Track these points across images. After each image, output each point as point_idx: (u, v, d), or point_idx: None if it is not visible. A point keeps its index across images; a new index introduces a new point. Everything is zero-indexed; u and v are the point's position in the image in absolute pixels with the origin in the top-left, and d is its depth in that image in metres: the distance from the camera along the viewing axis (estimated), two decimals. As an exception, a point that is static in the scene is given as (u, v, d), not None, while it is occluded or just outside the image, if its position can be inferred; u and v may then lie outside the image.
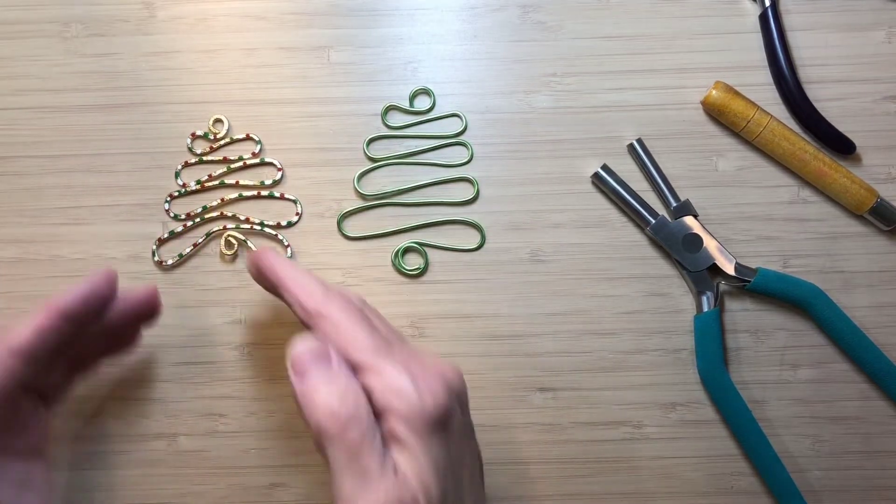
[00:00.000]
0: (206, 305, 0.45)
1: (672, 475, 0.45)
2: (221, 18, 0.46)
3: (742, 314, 0.45)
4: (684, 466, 0.45)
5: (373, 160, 0.45)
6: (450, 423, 0.32)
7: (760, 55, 0.45)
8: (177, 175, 0.45)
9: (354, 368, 0.32)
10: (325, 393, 0.31)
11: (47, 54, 0.46)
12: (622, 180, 0.44)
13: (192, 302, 0.45)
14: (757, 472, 0.44)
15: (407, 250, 0.45)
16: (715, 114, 0.45)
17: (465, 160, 0.45)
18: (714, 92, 0.44)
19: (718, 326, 0.44)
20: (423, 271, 0.45)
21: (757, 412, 0.44)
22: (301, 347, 0.33)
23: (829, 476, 0.45)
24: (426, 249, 0.45)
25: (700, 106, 0.45)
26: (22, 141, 0.45)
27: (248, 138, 0.45)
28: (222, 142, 0.45)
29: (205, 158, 0.45)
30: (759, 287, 0.44)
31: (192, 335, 0.45)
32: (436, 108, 0.45)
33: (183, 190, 0.45)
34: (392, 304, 0.45)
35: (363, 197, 0.45)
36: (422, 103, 0.45)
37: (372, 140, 0.45)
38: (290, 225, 0.45)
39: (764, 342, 0.45)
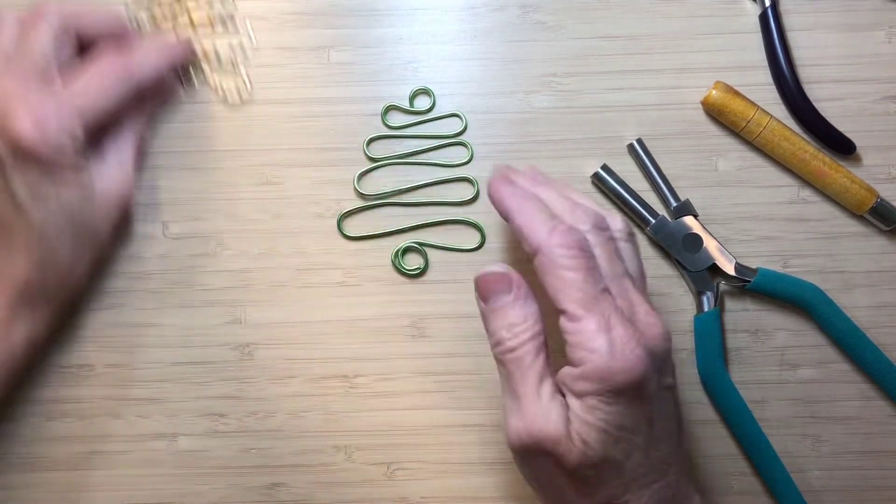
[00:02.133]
0: (207, 305, 0.45)
1: (672, 475, 0.45)
2: (221, 18, 0.46)
3: (742, 314, 0.45)
4: (684, 466, 0.45)
5: (373, 160, 0.45)
6: (641, 391, 0.32)
7: (760, 55, 0.45)
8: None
9: (561, 312, 0.33)
10: (498, 320, 0.35)
11: (47, 54, 0.45)
12: (622, 180, 0.44)
13: (192, 302, 0.45)
14: (757, 472, 0.44)
15: (407, 250, 0.45)
16: (715, 114, 0.45)
17: (466, 160, 0.45)
18: (714, 92, 0.44)
19: (718, 326, 0.44)
20: (423, 271, 0.45)
21: (757, 412, 0.44)
22: (486, 271, 0.35)
23: (829, 476, 0.45)
24: (426, 249, 0.45)
25: (700, 106, 0.45)
26: (22, 141, 0.45)
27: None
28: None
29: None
30: (759, 287, 0.44)
31: (192, 335, 0.45)
32: (436, 108, 0.45)
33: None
34: (392, 304, 0.45)
35: (363, 197, 0.45)
36: (422, 103, 0.45)
37: (372, 140, 0.45)
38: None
39: (764, 342, 0.45)
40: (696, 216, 0.44)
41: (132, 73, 0.40)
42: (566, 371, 0.33)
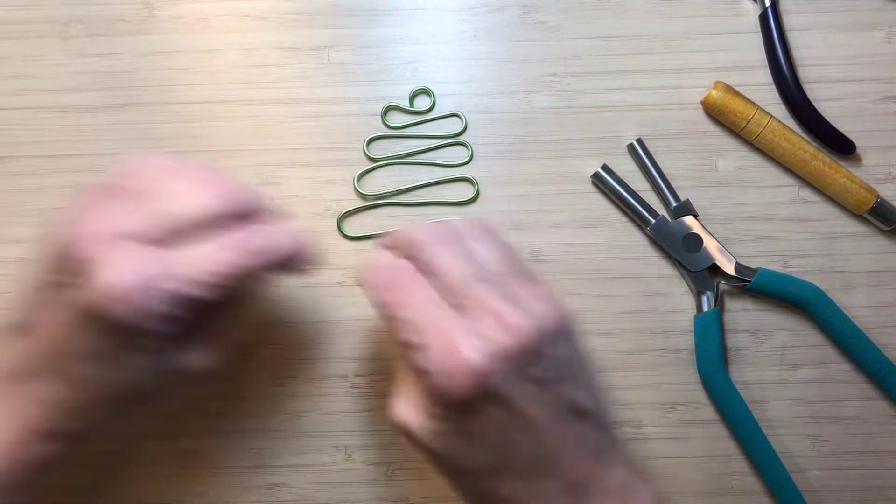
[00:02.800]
0: (206, 305, 0.45)
1: (672, 475, 0.45)
2: (221, 18, 0.46)
3: (742, 314, 0.45)
4: (684, 466, 0.45)
5: (373, 160, 0.45)
6: (485, 399, 0.31)
7: (760, 55, 0.45)
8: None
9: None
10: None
11: (47, 54, 0.46)
12: (622, 180, 0.44)
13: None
14: (757, 472, 0.44)
15: None
16: (715, 114, 0.45)
17: (466, 160, 0.45)
18: (714, 92, 0.44)
19: (718, 326, 0.44)
20: None
21: (757, 412, 0.44)
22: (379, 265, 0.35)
23: (829, 476, 0.45)
24: None
25: (700, 106, 0.45)
26: (22, 141, 0.45)
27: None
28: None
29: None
30: (759, 287, 0.44)
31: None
32: (436, 108, 0.45)
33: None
34: (392, 304, 0.45)
35: (363, 197, 0.45)
36: (422, 103, 0.45)
37: (372, 140, 0.45)
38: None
39: (764, 342, 0.45)
40: (696, 216, 0.44)
41: (254, 253, 0.33)
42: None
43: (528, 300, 0.33)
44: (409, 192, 0.45)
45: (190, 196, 0.32)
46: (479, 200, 0.45)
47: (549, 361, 0.33)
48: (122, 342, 0.31)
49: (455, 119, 0.45)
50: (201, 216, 0.32)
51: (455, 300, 0.33)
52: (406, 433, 0.34)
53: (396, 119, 0.45)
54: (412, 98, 0.45)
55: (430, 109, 0.45)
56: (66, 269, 0.31)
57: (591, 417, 0.34)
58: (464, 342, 0.31)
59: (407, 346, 0.33)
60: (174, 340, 0.33)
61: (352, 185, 0.45)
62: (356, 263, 0.39)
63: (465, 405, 0.32)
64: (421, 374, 0.32)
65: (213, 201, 0.33)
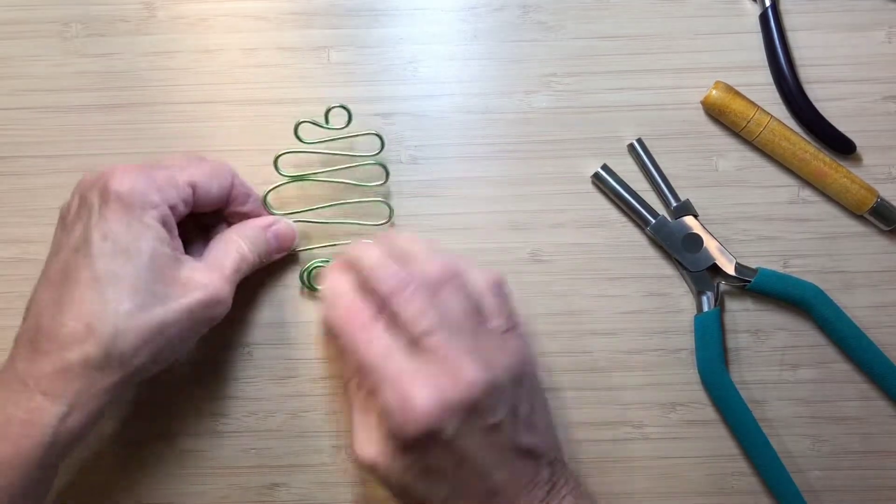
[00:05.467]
0: (206, 305, 0.45)
1: (672, 475, 0.45)
2: (221, 18, 0.46)
3: (742, 314, 0.45)
4: (684, 466, 0.45)
5: (284, 175, 0.43)
6: (434, 440, 0.34)
7: (760, 55, 0.45)
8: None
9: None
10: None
11: (47, 54, 0.46)
12: (622, 180, 0.44)
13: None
14: (757, 472, 0.44)
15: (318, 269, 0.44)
16: (715, 114, 0.45)
17: (382, 182, 0.44)
18: (714, 92, 0.44)
19: (718, 326, 0.44)
20: None
21: (757, 412, 0.44)
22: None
23: (829, 476, 0.45)
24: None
25: (700, 106, 0.45)
26: (22, 141, 0.45)
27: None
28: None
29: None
30: (759, 287, 0.44)
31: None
32: (436, 108, 0.45)
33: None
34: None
35: (269, 211, 0.44)
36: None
37: (282, 155, 0.43)
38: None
39: (764, 342, 0.45)
40: (696, 216, 0.44)
41: (235, 176, 0.41)
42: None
43: (489, 348, 0.35)
44: (321, 209, 0.44)
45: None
46: (477, 200, 0.45)
47: (501, 410, 0.35)
48: (137, 217, 0.36)
49: (373, 138, 0.43)
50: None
51: (414, 346, 0.35)
52: (368, 468, 0.36)
53: (312, 134, 0.43)
54: (327, 114, 0.43)
55: (346, 126, 0.43)
56: (83, 199, 0.37)
57: (541, 456, 0.36)
58: (417, 393, 0.33)
59: (365, 387, 0.36)
60: (178, 237, 0.39)
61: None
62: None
63: (417, 445, 0.34)
64: (380, 413, 0.35)
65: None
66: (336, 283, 0.38)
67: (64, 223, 0.38)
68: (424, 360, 0.35)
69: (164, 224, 0.38)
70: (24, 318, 0.37)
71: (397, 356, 0.35)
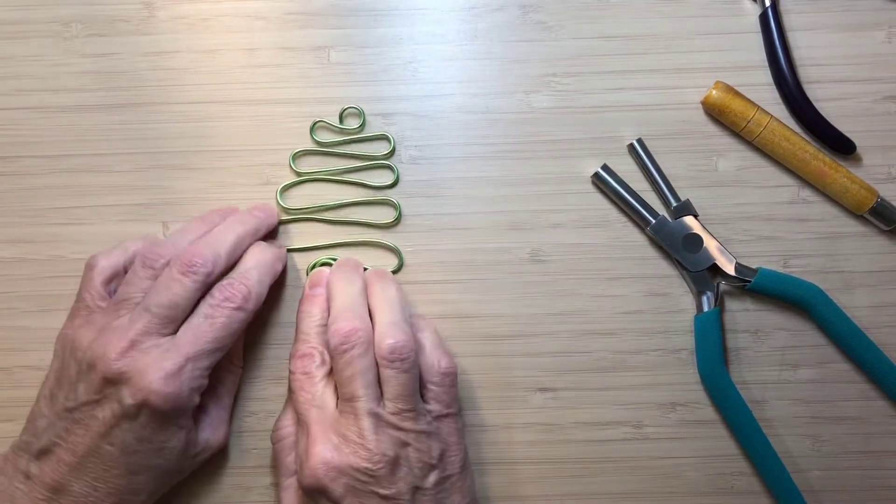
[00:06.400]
0: (206, 305, 0.45)
1: (672, 475, 0.45)
2: (221, 18, 0.46)
3: (742, 314, 0.45)
4: (684, 466, 0.45)
5: (298, 174, 0.45)
6: (326, 494, 0.37)
7: (760, 55, 0.45)
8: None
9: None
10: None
11: (47, 54, 0.46)
12: (622, 180, 0.44)
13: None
14: (757, 472, 0.44)
15: (324, 265, 0.45)
16: (715, 114, 0.45)
17: (391, 183, 0.45)
18: (714, 92, 0.44)
19: (718, 326, 0.44)
20: None
21: (757, 412, 0.44)
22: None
23: (829, 476, 0.45)
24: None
25: (700, 106, 0.45)
26: (22, 141, 0.45)
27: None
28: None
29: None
30: (759, 287, 0.44)
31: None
32: (436, 108, 0.45)
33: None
34: (392, 304, 0.45)
35: (285, 211, 0.45)
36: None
37: (300, 154, 0.45)
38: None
39: (764, 342, 0.45)
40: (696, 216, 0.44)
41: (242, 307, 0.39)
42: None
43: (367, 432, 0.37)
44: (331, 209, 0.45)
45: (171, 283, 0.38)
46: (477, 200, 0.45)
47: (401, 485, 0.37)
48: (165, 423, 0.38)
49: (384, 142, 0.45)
50: (187, 302, 0.38)
51: (344, 402, 0.38)
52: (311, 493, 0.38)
53: (327, 136, 0.45)
54: (342, 115, 0.45)
55: (360, 129, 0.45)
56: (99, 388, 0.37)
57: None
58: (316, 449, 0.37)
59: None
60: (193, 417, 0.40)
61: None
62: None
63: (312, 496, 0.37)
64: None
65: (193, 285, 0.38)
66: (306, 317, 0.42)
67: (64, 384, 0.39)
68: (343, 420, 0.37)
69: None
70: None
71: (318, 411, 0.38)
